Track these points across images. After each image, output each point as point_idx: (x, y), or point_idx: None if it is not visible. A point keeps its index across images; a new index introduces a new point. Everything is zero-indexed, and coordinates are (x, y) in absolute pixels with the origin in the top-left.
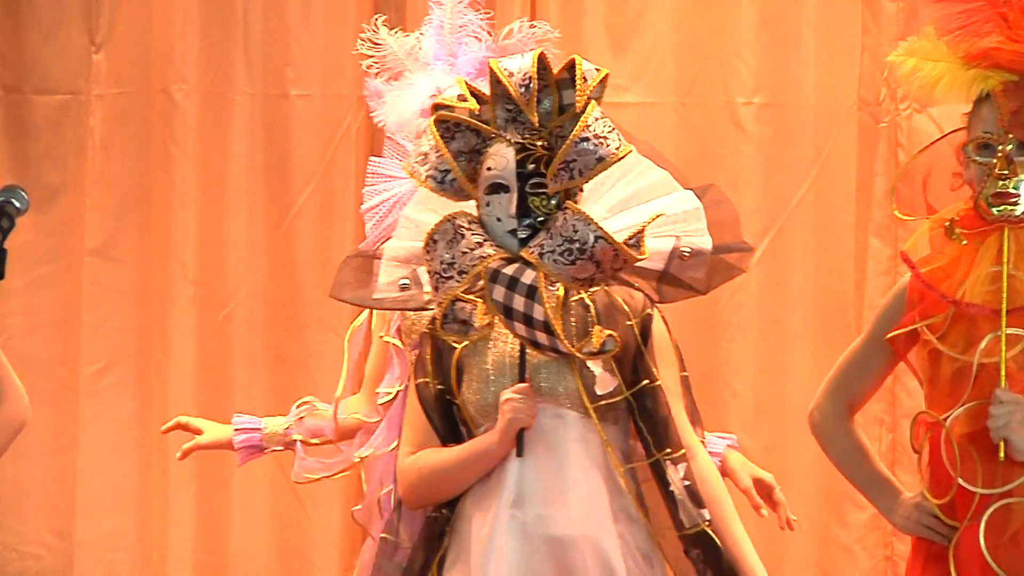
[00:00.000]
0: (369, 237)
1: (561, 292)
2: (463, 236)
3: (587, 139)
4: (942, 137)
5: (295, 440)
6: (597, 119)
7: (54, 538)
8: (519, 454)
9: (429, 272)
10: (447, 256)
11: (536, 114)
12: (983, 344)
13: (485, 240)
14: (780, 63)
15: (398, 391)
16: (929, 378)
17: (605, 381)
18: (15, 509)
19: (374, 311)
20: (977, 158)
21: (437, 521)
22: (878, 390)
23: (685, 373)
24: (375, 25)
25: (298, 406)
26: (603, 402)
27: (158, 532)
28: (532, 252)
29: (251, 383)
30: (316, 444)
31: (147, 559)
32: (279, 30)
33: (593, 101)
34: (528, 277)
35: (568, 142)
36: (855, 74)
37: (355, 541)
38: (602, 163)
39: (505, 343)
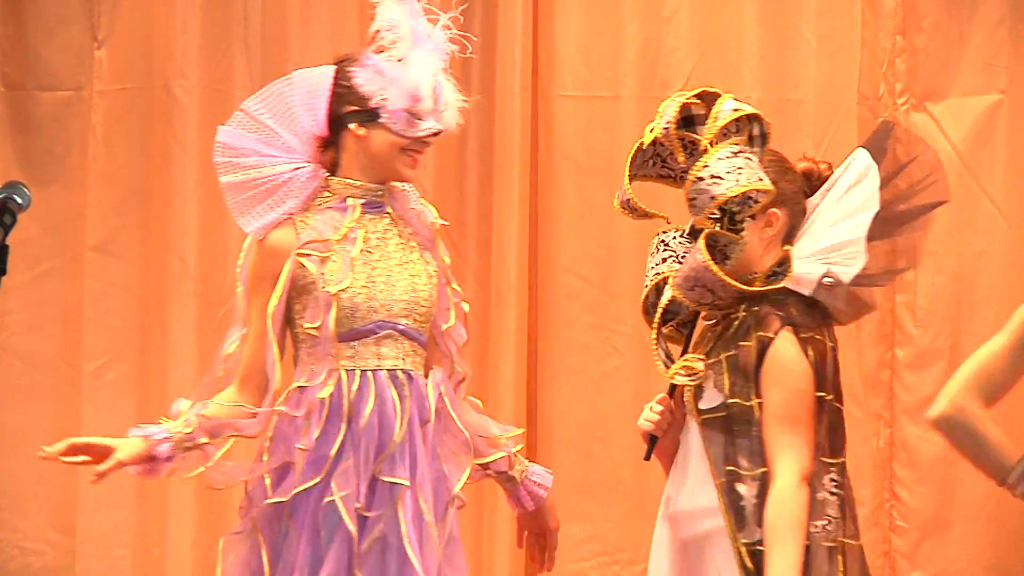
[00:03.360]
0: (252, 209)
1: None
2: (658, 251)
3: (703, 179)
4: None
5: (203, 443)
6: (721, 159)
7: (56, 534)
8: (646, 458)
9: None
10: (648, 267)
11: (683, 154)
12: None
13: (670, 257)
14: (779, 58)
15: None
16: None
17: (711, 397)
18: (17, 506)
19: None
20: None
21: None
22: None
23: (828, 396)
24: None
25: (190, 407)
26: (706, 416)
27: (158, 528)
28: (670, 277)
29: None
30: (216, 443)
31: (147, 555)
32: (279, 26)
33: (725, 142)
34: (665, 297)
35: (688, 180)
36: (854, 69)
37: None
38: (714, 201)
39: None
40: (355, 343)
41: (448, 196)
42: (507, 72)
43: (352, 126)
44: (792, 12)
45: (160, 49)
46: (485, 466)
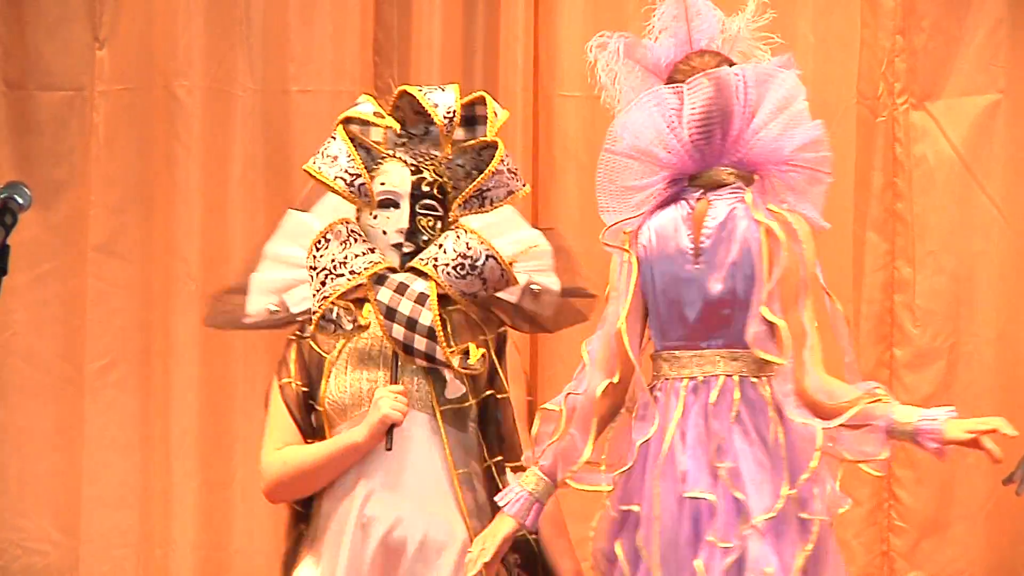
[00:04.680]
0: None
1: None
2: (355, 241)
3: (502, 172)
4: None
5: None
6: (507, 155)
7: (59, 534)
8: (388, 448)
9: (316, 270)
10: (339, 256)
11: (450, 147)
12: None
13: (373, 249)
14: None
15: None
16: None
17: (454, 387)
18: (20, 506)
19: None
20: None
21: (298, 514)
22: None
23: (531, 398)
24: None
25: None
26: (450, 406)
27: (161, 528)
28: (426, 264)
29: (253, 379)
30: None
31: (150, 555)
32: (281, 26)
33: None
34: (420, 285)
35: (487, 172)
36: (854, 68)
37: None
38: (511, 196)
39: (371, 347)
40: None
41: None
42: (509, 72)
43: None
44: (791, 11)
45: (162, 49)
46: None
